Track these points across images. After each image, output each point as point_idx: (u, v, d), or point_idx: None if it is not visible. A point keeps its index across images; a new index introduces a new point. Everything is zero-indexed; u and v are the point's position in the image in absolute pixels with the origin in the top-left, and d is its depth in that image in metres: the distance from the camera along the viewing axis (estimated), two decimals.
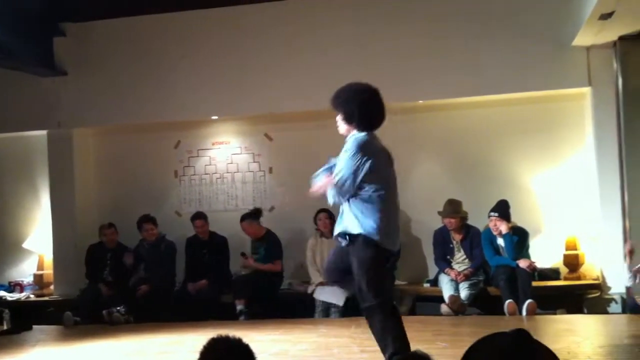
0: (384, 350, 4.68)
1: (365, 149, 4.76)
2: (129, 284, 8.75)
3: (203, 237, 8.93)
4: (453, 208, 8.15)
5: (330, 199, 4.85)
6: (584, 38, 7.58)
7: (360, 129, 4.88)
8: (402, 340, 4.65)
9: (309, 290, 8.36)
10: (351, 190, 4.74)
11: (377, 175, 4.81)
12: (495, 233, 7.94)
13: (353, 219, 4.77)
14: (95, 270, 8.94)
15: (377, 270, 4.77)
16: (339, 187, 4.73)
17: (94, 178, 9.81)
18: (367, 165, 4.73)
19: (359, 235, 4.72)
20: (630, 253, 6.90)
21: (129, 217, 9.05)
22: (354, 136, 4.85)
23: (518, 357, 1.73)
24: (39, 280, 9.55)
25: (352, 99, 4.89)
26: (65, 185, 9.44)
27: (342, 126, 4.97)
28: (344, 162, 4.76)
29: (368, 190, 4.77)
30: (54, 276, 9.48)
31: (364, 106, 4.86)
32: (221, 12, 8.99)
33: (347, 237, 4.77)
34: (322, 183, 4.87)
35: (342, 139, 5.12)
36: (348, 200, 4.80)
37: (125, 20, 9.29)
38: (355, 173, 4.72)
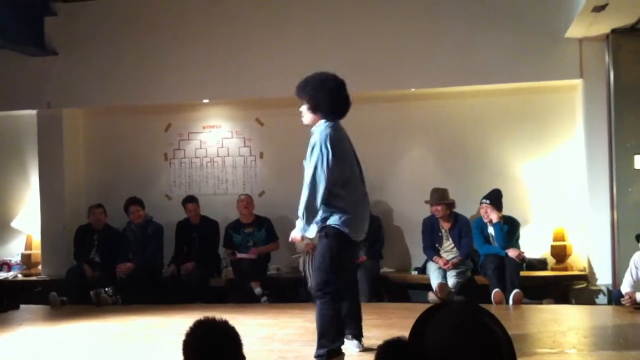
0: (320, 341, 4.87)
1: (331, 140, 4.83)
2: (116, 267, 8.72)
3: (194, 221, 8.93)
4: (439, 195, 8.19)
5: (309, 229, 4.91)
6: (577, 30, 7.58)
7: (327, 118, 4.95)
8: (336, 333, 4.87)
9: (298, 263, 8.40)
10: (326, 184, 4.80)
11: (342, 166, 4.90)
12: (485, 220, 7.97)
13: (321, 211, 4.88)
14: (83, 251, 8.92)
15: (337, 261, 4.90)
16: (316, 185, 4.80)
17: (83, 159, 9.77)
18: (332, 157, 4.80)
19: (327, 226, 4.88)
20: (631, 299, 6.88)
21: (118, 199, 9.04)
22: (318, 128, 4.93)
23: (463, 325, 1.75)
24: (26, 259, 9.53)
25: (318, 88, 4.97)
26: (55, 166, 9.41)
27: (307, 116, 5.06)
28: (314, 158, 4.83)
29: (335, 182, 4.86)
30: (42, 256, 9.46)
31: (330, 95, 4.95)
32: None
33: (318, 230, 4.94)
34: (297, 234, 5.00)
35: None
36: None
37: (117, 0, 9.24)
38: (327, 167, 4.79)
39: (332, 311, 4.88)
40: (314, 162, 4.83)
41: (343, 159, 4.91)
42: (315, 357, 4.88)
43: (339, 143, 4.89)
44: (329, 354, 4.84)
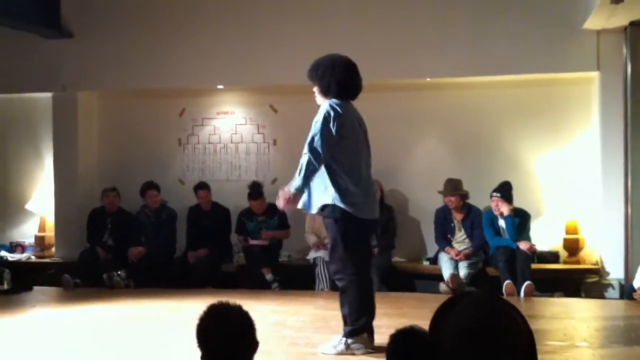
0: (345, 321, 4.92)
1: (337, 115, 4.84)
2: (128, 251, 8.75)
3: (205, 208, 8.95)
4: (453, 186, 8.17)
5: (298, 185, 4.87)
6: (595, 22, 7.52)
7: (336, 99, 4.97)
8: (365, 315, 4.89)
9: (309, 256, 8.39)
10: (324, 154, 4.80)
11: (348, 143, 4.89)
12: (496, 213, 7.96)
13: (324, 189, 4.87)
14: (96, 234, 8.97)
15: (350, 243, 4.88)
16: (312, 152, 4.80)
17: (97, 142, 9.81)
18: (338, 131, 4.81)
19: (329, 205, 4.86)
20: None
21: (131, 183, 9.07)
22: (324, 105, 4.95)
23: (485, 315, 1.76)
24: (40, 241, 9.59)
25: (329, 71, 4.99)
26: (69, 148, 9.45)
27: (319, 98, 5.08)
28: (316, 127, 4.84)
29: (339, 159, 4.86)
30: (55, 238, 9.52)
31: (340, 79, 4.96)
32: None
33: (320, 208, 4.91)
34: (286, 196, 4.91)
35: None
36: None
37: None
38: (327, 138, 4.79)
39: (357, 292, 4.88)
40: (313, 131, 4.85)
41: (348, 135, 4.89)
42: (345, 332, 4.92)
43: (344, 119, 4.88)
44: (351, 332, 4.89)
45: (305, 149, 4.84)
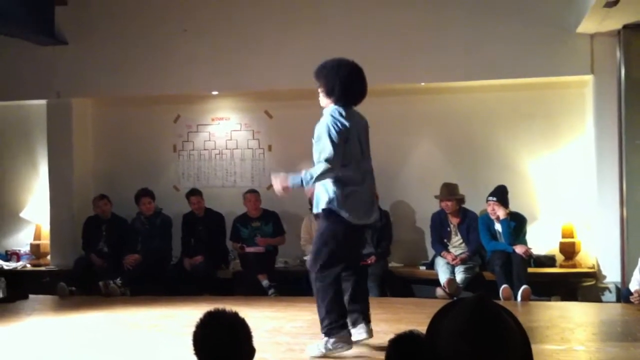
0: (321, 320, 4.99)
1: (337, 122, 4.87)
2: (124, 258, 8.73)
3: (199, 214, 8.93)
4: (449, 191, 8.17)
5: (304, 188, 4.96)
6: (588, 25, 7.54)
7: (338, 103, 5.00)
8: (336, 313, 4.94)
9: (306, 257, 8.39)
10: (339, 161, 4.83)
11: (347, 148, 4.91)
12: (492, 217, 7.95)
13: (320, 193, 4.95)
14: (91, 241, 8.94)
15: (337, 246, 4.94)
16: (330, 165, 4.80)
17: (92, 149, 9.79)
18: (341, 137, 4.84)
19: (324, 209, 4.93)
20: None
21: (126, 190, 9.06)
22: (327, 110, 5.00)
23: (480, 319, 1.77)
24: (35, 249, 9.56)
25: (334, 73, 5.01)
26: (64, 156, 9.43)
27: (323, 99, 5.12)
28: (323, 137, 4.85)
29: (341, 166, 4.89)
30: (51, 246, 9.49)
31: (344, 82, 4.98)
32: None
33: (319, 210, 5.00)
34: (281, 181, 4.98)
35: None
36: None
37: None
38: (336, 144, 4.82)
39: (332, 293, 4.95)
40: (324, 142, 4.85)
41: (347, 140, 4.91)
42: (323, 333, 4.96)
43: (346, 123, 4.91)
44: (331, 331, 4.91)
45: (320, 158, 4.84)
